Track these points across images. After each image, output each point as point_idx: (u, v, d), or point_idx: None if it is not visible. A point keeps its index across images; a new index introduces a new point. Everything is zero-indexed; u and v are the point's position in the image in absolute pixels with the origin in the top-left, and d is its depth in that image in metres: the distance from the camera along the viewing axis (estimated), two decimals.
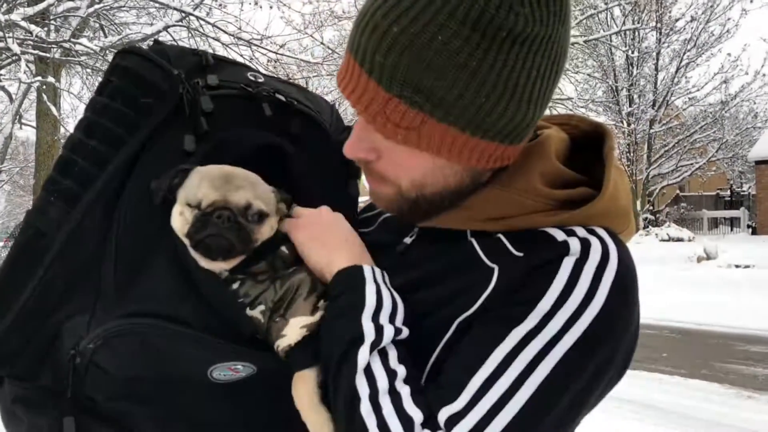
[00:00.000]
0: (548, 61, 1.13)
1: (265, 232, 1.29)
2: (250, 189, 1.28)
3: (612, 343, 1.15)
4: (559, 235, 1.20)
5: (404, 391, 1.14)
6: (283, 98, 1.51)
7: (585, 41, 22.65)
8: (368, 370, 1.16)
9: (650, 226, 30.82)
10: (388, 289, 1.25)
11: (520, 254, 1.20)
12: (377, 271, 1.28)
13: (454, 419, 1.09)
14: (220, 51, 13.64)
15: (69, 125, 15.46)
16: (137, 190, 1.31)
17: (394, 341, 1.19)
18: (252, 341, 1.24)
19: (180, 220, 1.26)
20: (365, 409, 1.12)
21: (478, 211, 1.27)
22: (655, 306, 12.64)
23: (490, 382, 1.11)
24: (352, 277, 1.26)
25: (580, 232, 1.20)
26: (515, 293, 1.16)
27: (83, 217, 1.30)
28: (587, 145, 1.36)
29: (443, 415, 1.11)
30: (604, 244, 1.18)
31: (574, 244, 1.17)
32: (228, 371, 1.20)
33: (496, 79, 1.08)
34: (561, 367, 1.10)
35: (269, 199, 1.31)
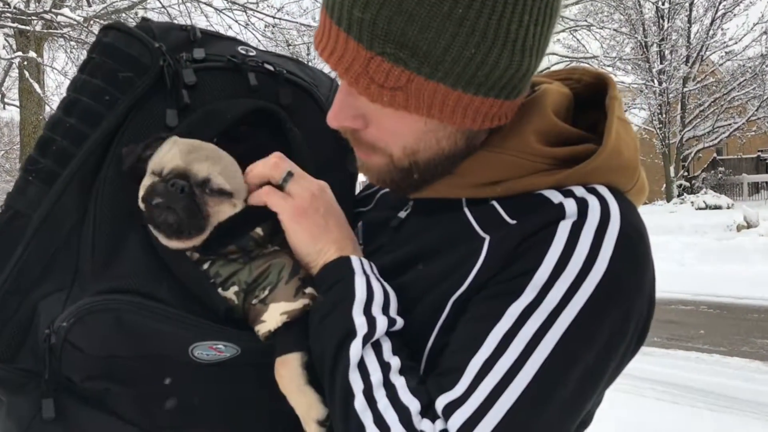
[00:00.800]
0: (541, 2, 1.12)
1: (224, 211, 1.30)
2: (216, 163, 1.30)
3: (621, 310, 1.13)
4: (555, 197, 1.19)
5: (399, 382, 1.15)
6: (271, 68, 1.53)
7: None
8: (361, 365, 1.16)
9: (685, 194, 30.72)
10: (378, 279, 1.26)
11: (513, 221, 1.19)
12: (365, 262, 1.29)
13: (453, 406, 1.09)
14: (213, 17, 13.67)
15: (54, 103, 15.52)
16: (114, 166, 1.34)
17: (388, 332, 1.20)
18: (232, 320, 1.27)
19: (142, 189, 1.29)
20: (360, 404, 1.13)
21: (471, 176, 1.27)
22: (691, 280, 12.65)
23: (489, 365, 1.10)
24: (339, 269, 1.27)
25: (578, 191, 1.19)
26: (510, 266, 1.15)
27: (60, 195, 1.34)
28: (593, 101, 1.35)
29: (441, 402, 1.11)
30: (603, 202, 1.17)
31: (570, 206, 1.16)
32: (210, 350, 1.23)
33: (485, 26, 1.08)
34: (566, 342, 1.09)
35: (235, 179, 1.32)
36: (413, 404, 1.12)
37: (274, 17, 14.87)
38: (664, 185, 31.78)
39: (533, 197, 1.21)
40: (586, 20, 25.87)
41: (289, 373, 1.23)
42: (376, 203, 1.55)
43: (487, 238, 1.20)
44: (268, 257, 1.32)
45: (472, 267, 1.19)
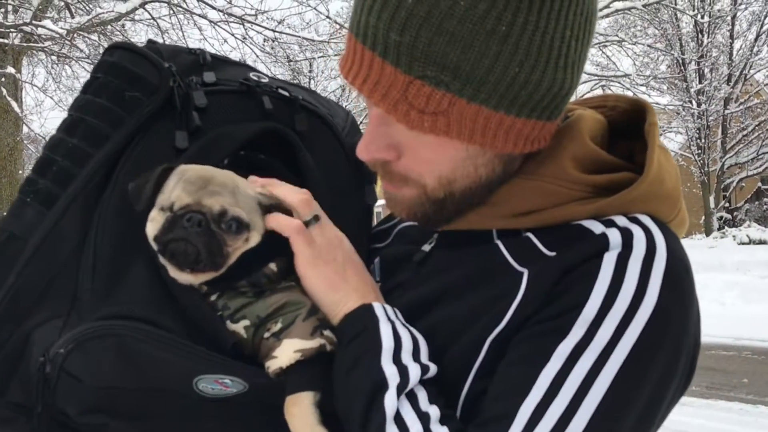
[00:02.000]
0: (581, 18, 1.15)
1: (241, 245, 1.33)
2: (228, 195, 1.32)
3: (672, 346, 1.15)
4: (596, 228, 1.21)
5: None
6: (286, 93, 1.58)
7: (644, 5, 22.43)
8: (398, 418, 1.16)
9: (726, 227, 30.62)
10: (405, 326, 1.28)
11: (552, 254, 1.22)
12: (389, 308, 1.30)
13: None
14: (207, 30, 13.74)
15: (33, 123, 15.62)
16: (119, 189, 1.38)
17: (422, 380, 1.21)
18: (240, 356, 1.28)
19: (152, 225, 1.32)
20: None
21: (505, 205, 1.29)
22: (733, 322, 12.59)
23: (541, 410, 1.11)
24: (362, 318, 1.29)
25: (620, 221, 1.22)
26: (553, 301, 1.17)
27: (60, 217, 1.37)
28: (629, 130, 1.37)
29: None
30: (648, 232, 1.19)
31: (614, 236, 1.18)
32: (216, 384, 1.24)
33: (529, 43, 1.11)
34: (619, 381, 1.10)
35: (251, 209, 1.35)
36: None
37: (274, 30, 14.98)
38: (703, 217, 31.69)
39: (572, 228, 1.24)
40: (617, 35, 25.89)
41: (301, 412, 1.25)
42: (394, 238, 1.57)
43: (525, 272, 1.22)
44: (284, 293, 1.35)
45: (510, 304, 1.20)
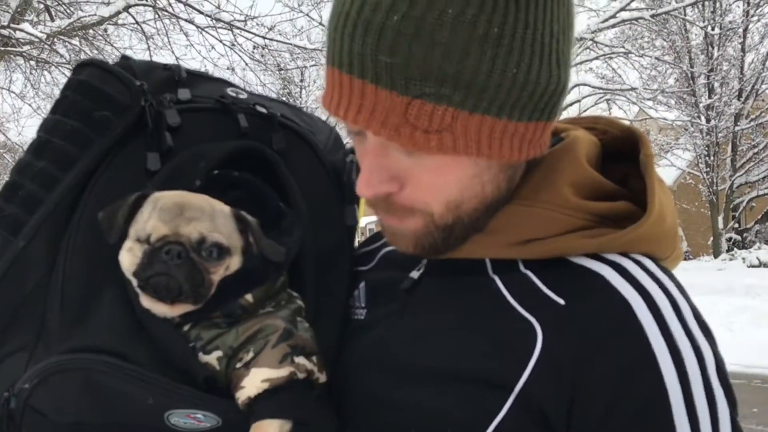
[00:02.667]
0: (564, 9, 1.17)
1: (224, 271, 1.33)
2: (206, 220, 1.33)
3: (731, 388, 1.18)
4: (606, 273, 1.20)
5: None
6: (263, 110, 1.58)
7: (652, 15, 22.51)
8: None
9: (736, 248, 30.66)
10: None
11: (561, 301, 1.20)
12: None
13: None
14: (194, 36, 13.71)
15: (9, 132, 15.62)
16: (89, 213, 1.38)
17: None
18: (214, 389, 1.29)
19: (128, 257, 1.32)
20: None
21: (501, 233, 1.28)
22: (742, 349, 12.58)
23: None
24: None
25: (628, 265, 1.21)
26: (614, 390, 1.14)
27: (27, 244, 1.37)
28: (620, 154, 1.39)
29: None
30: (660, 283, 1.20)
31: (630, 294, 1.17)
32: (188, 419, 1.24)
33: (522, 42, 1.12)
34: None
35: (230, 232, 1.36)
36: None
37: (264, 37, 15.00)
38: (711, 238, 31.76)
39: (575, 268, 1.23)
40: (623, 46, 25.84)
41: None
42: (379, 262, 1.56)
43: (536, 323, 1.20)
44: (258, 319, 1.35)
45: (526, 358, 1.18)
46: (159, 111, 1.48)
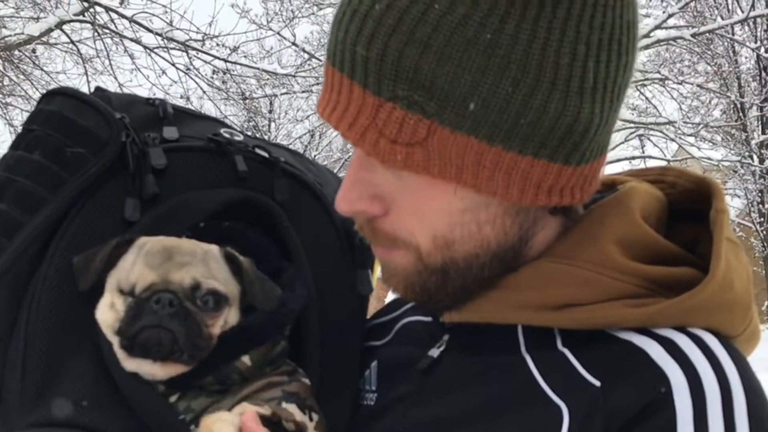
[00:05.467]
0: (602, 33, 1.16)
1: (222, 324, 1.36)
2: (198, 264, 1.35)
3: None
4: (652, 350, 1.21)
5: None
6: (265, 153, 1.61)
7: (693, 35, 22.54)
8: None
9: None
10: None
11: (596, 383, 1.21)
12: None
13: None
14: (142, 59, 13.64)
15: None
16: (56, 267, 1.40)
17: None
18: None
19: (109, 313, 1.35)
20: None
21: (530, 293, 1.29)
22: None
23: None
24: None
25: (681, 341, 1.21)
26: None
27: None
28: (693, 212, 1.39)
29: None
30: (716, 365, 1.19)
31: (675, 374, 1.18)
32: None
33: (524, 56, 1.12)
34: None
35: (227, 279, 1.38)
36: None
37: (226, 60, 14.97)
38: (767, 303, 31.66)
39: (619, 344, 1.25)
40: (658, 71, 25.79)
41: None
42: (395, 335, 1.58)
43: (565, 410, 1.22)
44: (257, 389, 1.36)
45: None
46: (142, 149, 1.48)
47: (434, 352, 1.41)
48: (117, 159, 1.47)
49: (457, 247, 1.27)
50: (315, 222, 1.61)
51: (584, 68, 1.15)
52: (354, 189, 1.28)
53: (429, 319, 1.48)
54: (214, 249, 1.41)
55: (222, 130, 1.63)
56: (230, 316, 1.37)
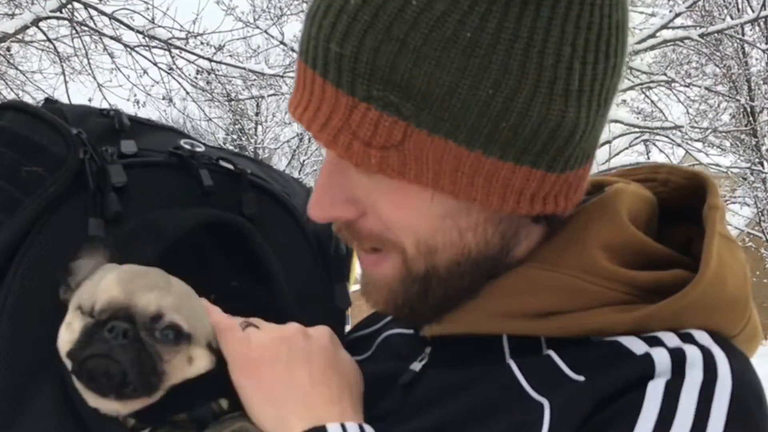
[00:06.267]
0: (590, 33, 1.16)
1: (181, 364, 1.33)
2: (169, 294, 1.34)
3: None
4: (637, 347, 1.21)
5: None
6: (230, 166, 1.61)
7: (701, 35, 22.54)
8: None
9: None
10: None
11: (580, 378, 1.22)
12: (352, 427, 1.27)
13: None
14: (122, 57, 13.55)
15: None
16: (15, 293, 1.39)
17: None
18: None
19: (66, 333, 1.33)
20: None
21: (515, 301, 1.30)
22: None
23: None
24: None
25: (669, 339, 1.21)
26: None
27: None
28: (687, 211, 1.39)
29: None
30: (706, 352, 1.19)
31: (661, 358, 1.18)
32: None
33: (506, 57, 1.12)
34: None
35: (197, 318, 1.36)
36: None
37: (211, 60, 14.94)
38: None
39: (605, 346, 1.25)
40: (664, 73, 25.68)
41: None
42: (377, 349, 1.59)
43: (546, 405, 1.22)
44: (234, 420, 1.35)
45: None
46: (102, 166, 1.46)
47: (416, 366, 1.41)
48: (75, 177, 1.46)
49: (439, 254, 1.28)
50: (286, 235, 1.62)
51: (570, 70, 1.16)
52: (327, 193, 1.28)
53: (411, 331, 1.48)
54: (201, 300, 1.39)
55: (182, 142, 1.62)
56: (195, 355, 1.34)
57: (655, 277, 1.27)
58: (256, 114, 29.95)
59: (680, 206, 1.41)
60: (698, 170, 1.42)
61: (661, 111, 28.65)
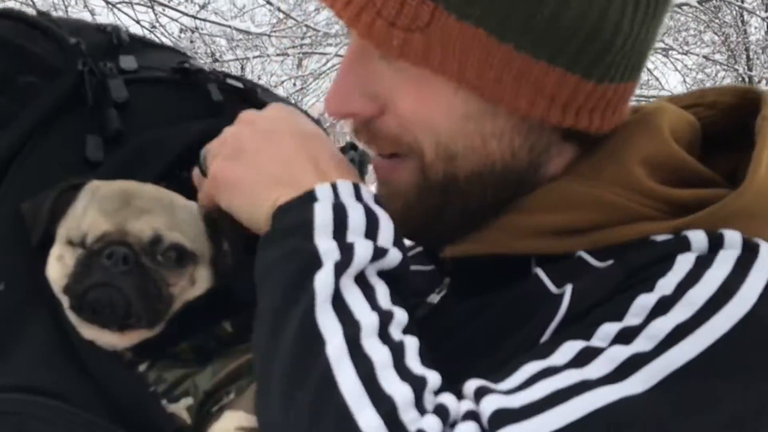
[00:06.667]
0: None
1: (187, 284, 1.30)
2: (162, 214, 1.29)
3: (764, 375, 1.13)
4: (665, 237, 1.21)
5: (408, 341, 1.13)
6: (238, 84, 1.58)
7: (700, 2, 22.66)
8: (338, 301, 1.12)
9: None
10: (362, 203, 1.22)
11: (606, 263, 1.21)
12: (344, 186, 1.22)
13: (486, 391, 1.09)
14: (103, 15, 13.54)
15: None
16: (7, 211, 1.35)
17: (383, 272, 1.18)
18: None
19: (57, 267, 1.29)
20: (335, 351, 1.07)
21: (543, 216, 1.27)
22: None
23: (552, 372, 1.10)
24: (295, 207, 1.21)
25: (697, 234, 1.21)
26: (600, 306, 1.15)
27: None
28: (737, 139, 1.35)
29: (472, 385, 1.11)
30: (746, 238, 1.19)
31: (697, 237, 1.19)
32: None
33: None
34: (666, 391, 1.08)
35: (197, 234, 1.33)
36: (429, 374, 1.10)
37: (194, 17, 14.96)
38: None
39: (638, 240, 1.24)
40: (662, 41, 25.87)
41: None
42: None
43: (569, 287, 1.21)
44: (240, 353, 1.30)
45: (545, 326, 1.19)
46: (102, 80, 1.42)
47: (433, 298, 1.39)
48: (74, 90, 1.42)
49: (459, 161, 1.25)
50: None
51: None
52: (345, 85, 1.25)
53: (429, 267, 1.45)
54: (191, 205, 1.35)
55: (183, 62, 1.59)
56: (199, 276, 1.32)
57: (695, 194, 1.25)
58: (241, 74, 29.98)
59: (728, 129, 1.37)
60: (751, 87, 1.38)
61: (657, 79, 28.92)
